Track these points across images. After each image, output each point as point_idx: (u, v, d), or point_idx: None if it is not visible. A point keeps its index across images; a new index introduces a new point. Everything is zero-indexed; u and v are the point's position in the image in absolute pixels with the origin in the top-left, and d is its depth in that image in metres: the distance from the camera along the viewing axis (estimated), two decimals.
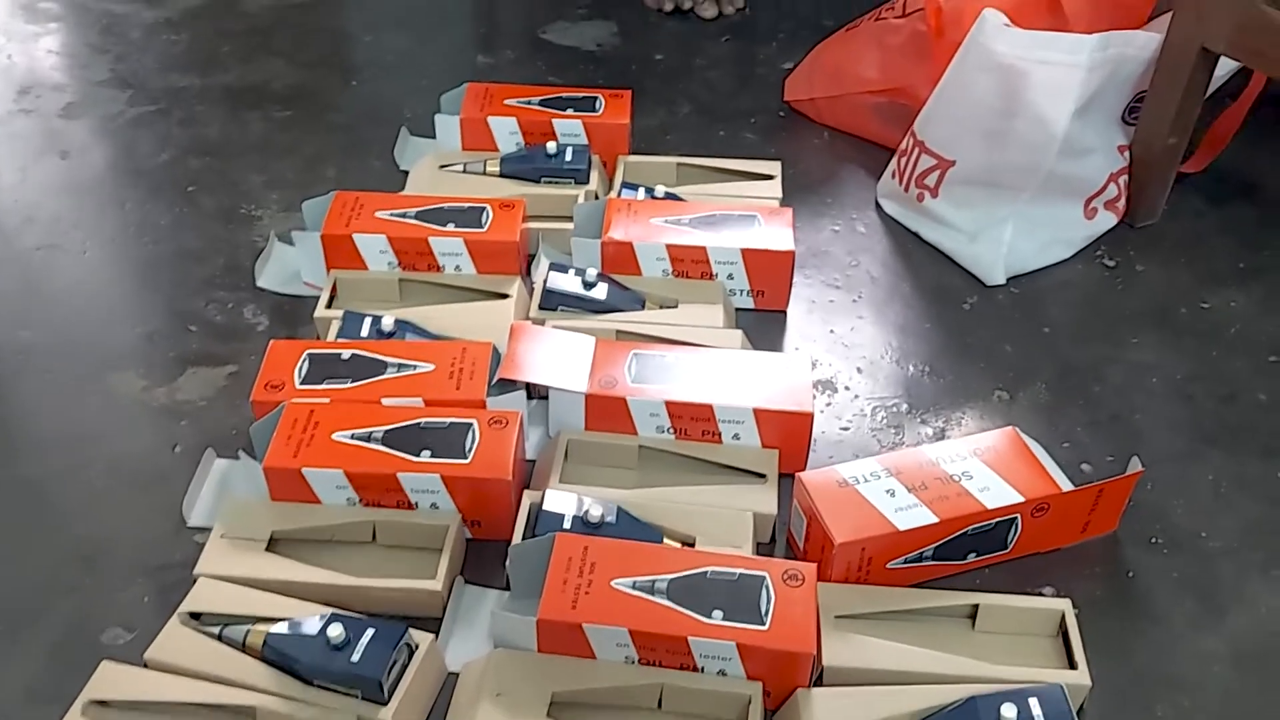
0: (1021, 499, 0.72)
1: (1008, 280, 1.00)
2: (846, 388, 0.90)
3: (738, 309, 0.96)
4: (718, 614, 0.65)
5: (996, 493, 0.72)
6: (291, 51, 1.33)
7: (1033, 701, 0.62)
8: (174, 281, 1.00)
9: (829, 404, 0.88)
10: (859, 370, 0.91)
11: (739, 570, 0.67)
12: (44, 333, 0.94)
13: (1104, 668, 0.68)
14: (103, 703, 0.64)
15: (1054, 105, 0.93)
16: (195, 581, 0.71)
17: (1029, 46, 0.93)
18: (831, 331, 0.95)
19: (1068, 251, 1.03)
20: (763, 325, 0.94)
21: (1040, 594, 0.73)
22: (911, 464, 0.74)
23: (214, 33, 1.37)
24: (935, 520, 0.70)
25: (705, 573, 0.67)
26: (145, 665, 0.67)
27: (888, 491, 0.72)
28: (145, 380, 0.89)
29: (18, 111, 1.22)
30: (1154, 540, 0.77)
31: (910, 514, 0.71)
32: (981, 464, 0.74)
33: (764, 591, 0.66)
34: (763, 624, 0.64)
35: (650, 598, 0.65)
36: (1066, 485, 0.74)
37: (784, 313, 0.97)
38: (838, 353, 0.93)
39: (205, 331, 0.94)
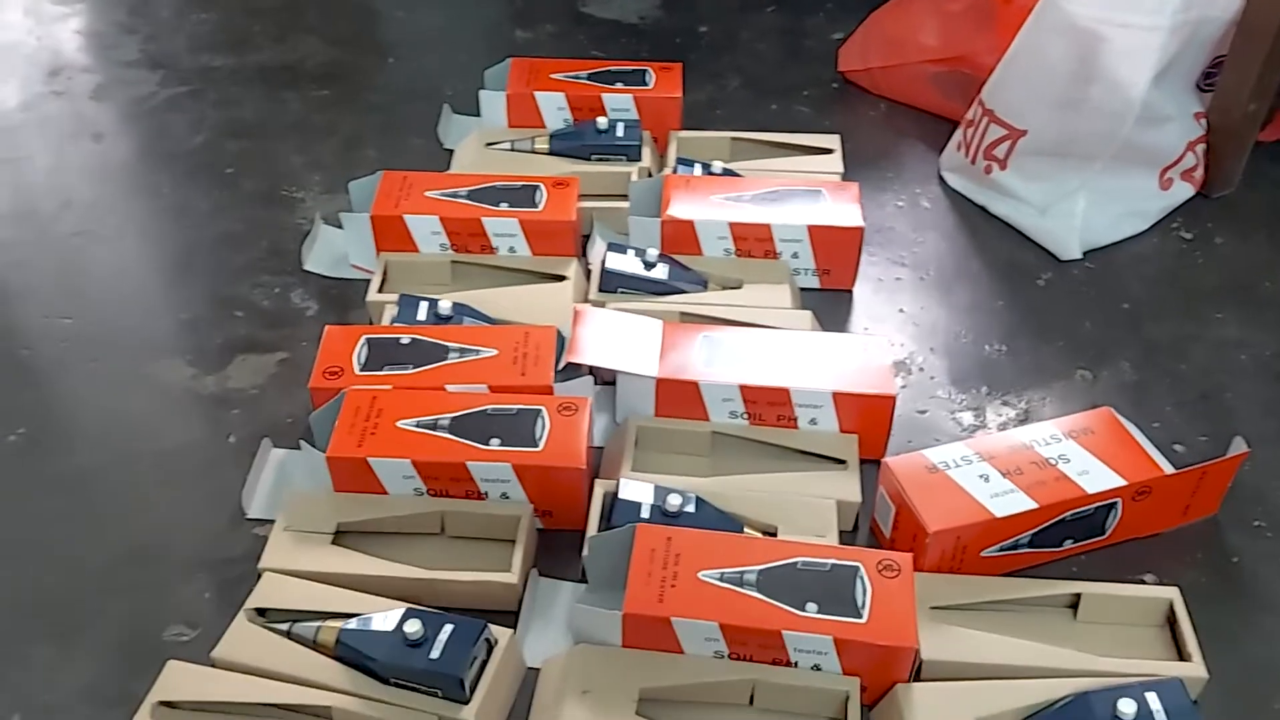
0: (1123, 482, 0.68)
1: (1082, 255, 0.96)
2: (921, 369, 0.86)
3: (802, 289, 0.92)
4: (812, 606, 0.61)
5: (1096, 476, 0.69)
6: (324, 29, 1.30)
7: (1150, 696, 0.58)
8: (217, 266, 0.97)
9: (904, 386, 0.85)
10: (932, 350, 0.88)
11: (831, 561, 0.64)
12: (86, 321, 0.91)
13: (1214, 659, 0.64)
14: (170, 704, 0.62)
15: (1133, 70, 0.89)
16: (259, 576, 0.68)
17: (1108, 8, 0.88)
18: (901, 311, 0.92)
19: (1142, 224, 0.99)
20: (829, 305, 0.91)
21: (1141, 581, 0.70)
22: (1003, 448, 0.71)
23: (244, 11, 1.34)
24: (1034, 506, 0.67)
25: (796, 563, 0.64)
26: (213, 664, 0.64)
27: (981, 476, 0.69)
28: (194, 368, 0.86)
29: (48, 94, 1.19)
30: (1257, 524, 0.74)
31: (1007, 500, 0.67)
32: (1078, 446, 0.71)
33: (859, 583, 0.63)
34: (860, 617, 0.61)
35: (740, 590, 0.62)
36: (1167, 468, 0.70)
37: (850, 292, 0.93)
38: (909, 333, 0.90)
39: (252, 317, 0.91)
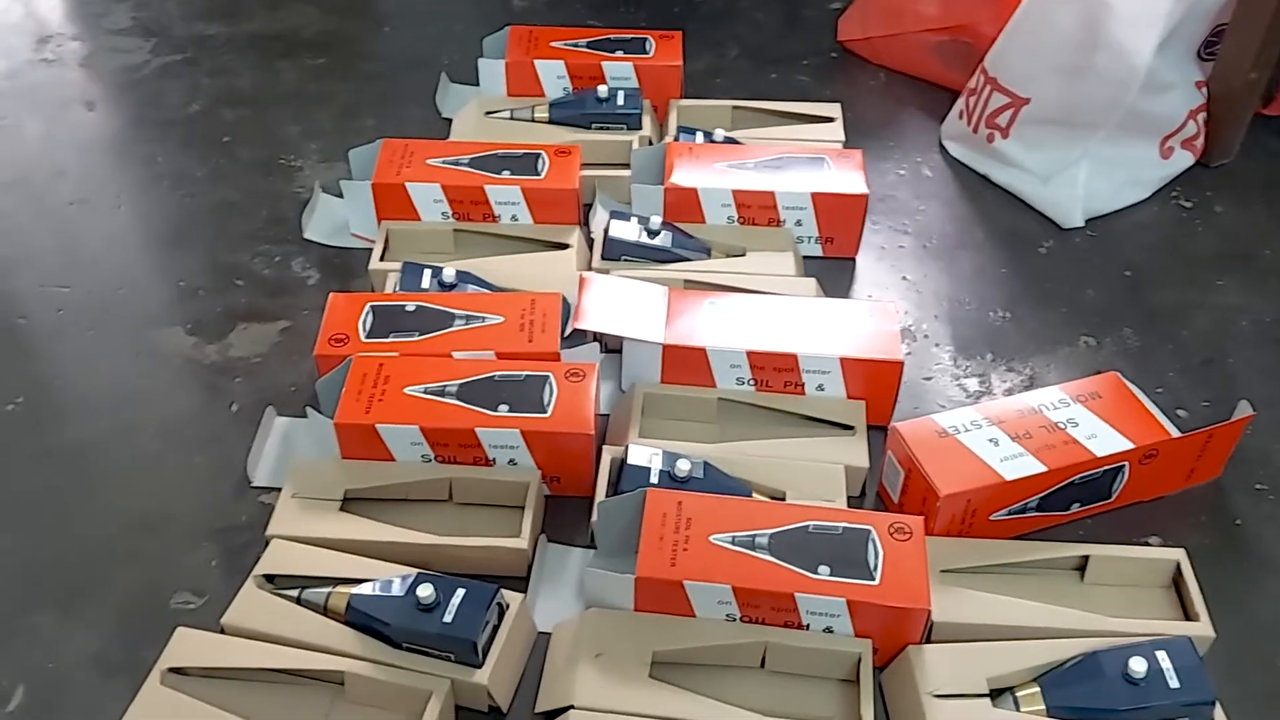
0: (1131, 446, 0.69)
1: (1084, 223, 0.96)
2: (925, 335, 0.86)
3: (805, 257, 0.92)
4: (824, 569, 0.62)
5: (1105, 440, 0.69)
6: None
7: (1160, 655, 0.59)
8: (215, 235, 0.96)
9: (909, 353, 0.84)
10: (936, 317, 0.88)
11: (842, 524, 0.64)
12: (83, 290, 0.90)
13: (1218, 618, 0.65)
14: (180, 670, 0.61)
15: (1138, 37, 0.89)
16: (267, 544, 0.68)
17: None
18: (905, 279, 0.92)
19: (1143, 193, 0.99)
20: (832, 273, 0.90)
21: (1146, 544, 0.70)
22: (1012, 412, 0.71)
23: None
24: (1044, 469, 0.67)
25: (807, 527, 0.64)
26: (222, 631, 0.64)
27: (990, 441, 0.69)
28: (194, 337, 0.85)
29: (39, 62, 1.17)
30: (1259, 487, 0.74)
31: (1016, 463, 0.68)
32: (1086, 410, 0.71)
33: (870, 546, 0.63)
34: (873, 579, 0.61)
35: (752, 553, 0.62)
36: (1174, 431, 0.71)
37: (853, 260, 0.93)
38: (913, 300, 0.90)
39: (253, 286, 0.90)
